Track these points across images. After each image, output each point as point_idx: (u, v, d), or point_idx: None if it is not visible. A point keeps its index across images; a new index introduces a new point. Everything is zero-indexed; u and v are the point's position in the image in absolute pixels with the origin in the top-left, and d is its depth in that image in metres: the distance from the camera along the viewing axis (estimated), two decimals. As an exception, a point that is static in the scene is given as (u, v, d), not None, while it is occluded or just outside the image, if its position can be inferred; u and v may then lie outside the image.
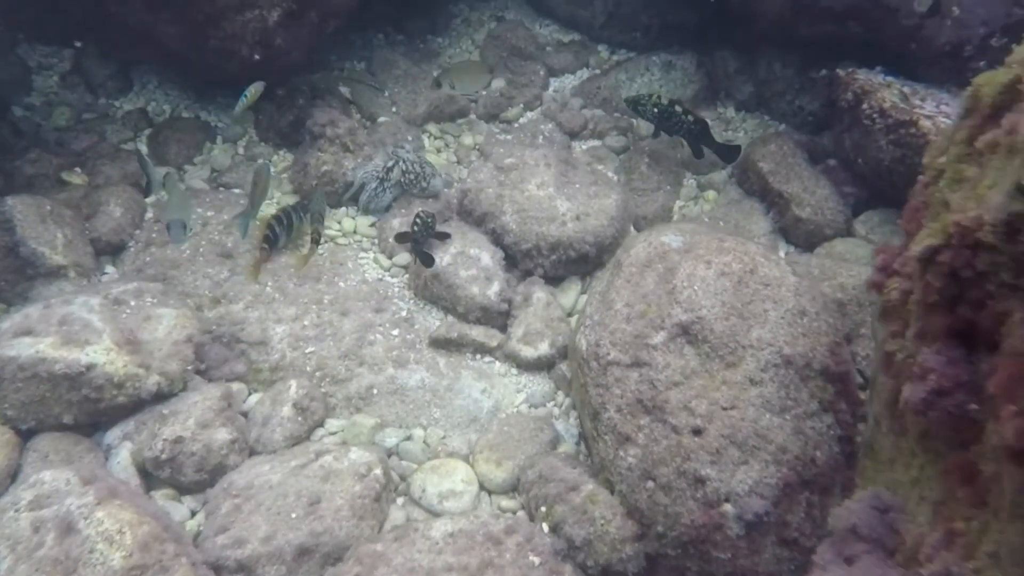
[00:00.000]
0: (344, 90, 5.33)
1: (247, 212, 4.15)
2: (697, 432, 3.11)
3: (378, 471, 3.45)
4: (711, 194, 5.09)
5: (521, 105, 5.55)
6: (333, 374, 3.94)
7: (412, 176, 4.72)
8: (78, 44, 5.01)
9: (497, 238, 4.39)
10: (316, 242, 4.28)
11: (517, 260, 4.38)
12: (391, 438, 3.79)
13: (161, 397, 3.63)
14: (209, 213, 4.50)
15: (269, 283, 4.20)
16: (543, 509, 3.35)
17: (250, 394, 3.91)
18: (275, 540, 3.17)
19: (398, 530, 3.30)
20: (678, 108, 4.82)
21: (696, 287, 3.39)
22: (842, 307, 3.95)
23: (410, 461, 3.74)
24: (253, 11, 4.36)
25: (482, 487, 3.65)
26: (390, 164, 4.71)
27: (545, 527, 3.31)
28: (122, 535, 2.82)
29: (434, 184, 4.77)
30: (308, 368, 3.94)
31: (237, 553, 3.14)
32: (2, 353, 3.40)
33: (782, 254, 4.64)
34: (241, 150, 5.08)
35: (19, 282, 4.03)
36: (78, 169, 4.64)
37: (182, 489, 3.51)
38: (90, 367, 3.43)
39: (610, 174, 5.07)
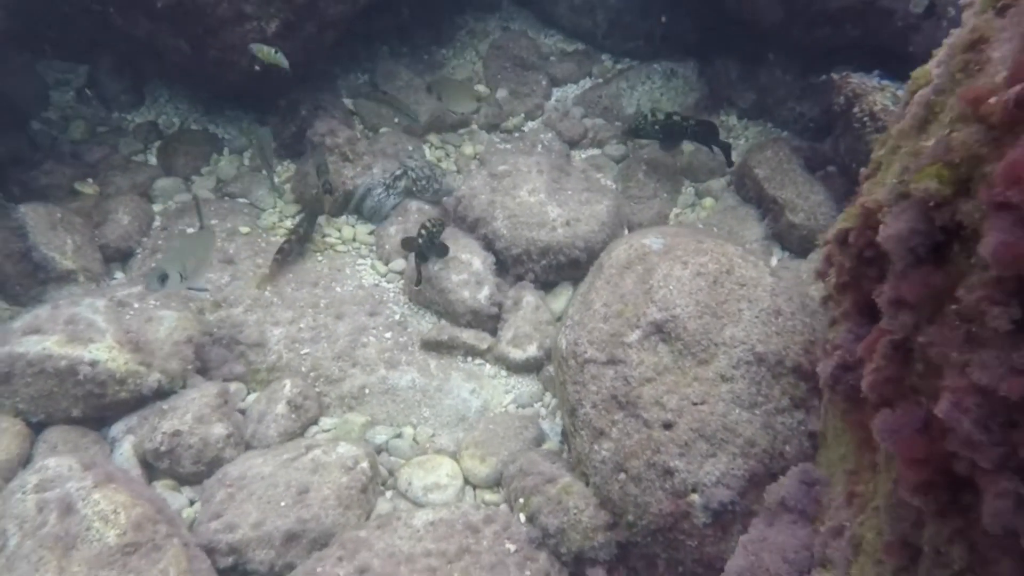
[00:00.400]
0: (347, 101, 5.52)
1: (269, 173, 4.51)
2: (667, 426, 3.22)
3: (364, 464, 3.60)
4: (708, 201, 5.18)
5: (522, 115, 5.69)
6: (327, 374, 4.10)
7: (424, 181, 4.89)
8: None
9: (489, 243, 4.53)
10: (329, 191, 4.53)
11: (508, 265, 4.52)
12: (381, 435, 3.95)
13: (162, 394, 3.82)
14: (214, 221, 4.69)
15: (268, 288, 4.37)
16: (521, 500, 3.48)
17: (249, 393, 4.09)
18: (264, 526, 3.34)
19: (382, 519, 3.46)
20: (676, 117, 4.94)
21: (671, 287, 3.50)
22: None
23: (399, 457, 3.88)
24: (251, 22, 4.56)
25: (467, 481, 3.79)
26: (398, 173, 4.88)
27: (522, 517, 3.44)
28: (116, 515, 3.01)
29: (447, 184, 4.91)
30: (303, 368, 4.10)
31: (228, 537, 3.31)
32: (12, 350, 3.61)
33: (775, 260, 4.72)
34: (247, 161, 5.28)
35: (32, 286, 4.27)
36: (90, 180, 4.88)
37: (181, 480, 3.68)
38: (93, 363, 3.62)
39: (607, 182, 5.18)
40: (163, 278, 3.36)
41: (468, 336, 4.28)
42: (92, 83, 5.32)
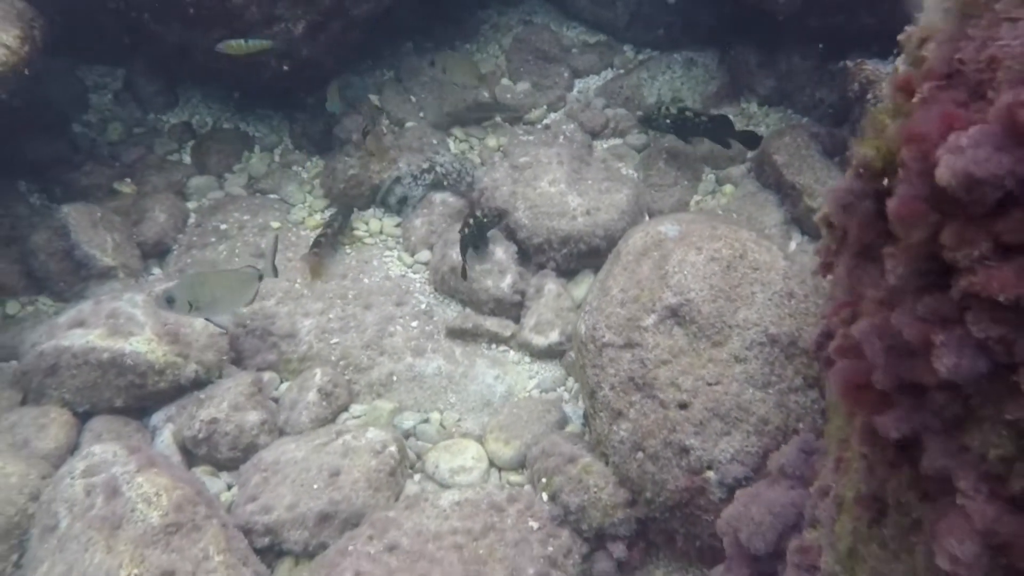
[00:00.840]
0: (373, 97, 5.66)
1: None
2: (683, 406, 3.33)
3: (393, 448, 3.74)
4: (728, 188, 5.24)
5: (545, 107, 5.79)
6: (356, 363, 4.26)
7: (454, 175, 5.02)
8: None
9: (511, 233, 4.65)
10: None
11: (530, 254, 4.64)
12: (408, 421, 4.09)
13: (199, 384, 4.00)
14: (245, 217, 4.87)
15: (298, 280, 4.53)
16: (544, 480, 3.60)
17: (281, 382, 4.25)
18: (298, 507, 3.50)
19: (410, 500, 3.60)
20: (688, 113, 5.01)
21: (686, 272, 3.59)
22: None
23: (426, 441, 4.02)
24: (280, 24, 4.70)
25: (492, 464, 3.92)
26: (425, 167, 5.02)
27: (545, 496, 3.57)
28: (159, 497, 3.19)
29: (477, 177, 5.02)
30: (333, 357, 4.26)
31: (264, 518, 3.48)
32: (59, 343, 3.81)
33: (794, 245, 4.79)
34: (277, 158, 5.45)
35: (75, 282, 4.48)
36: (128, 179, 5.07)
37: (218, 465, 3.86)
38: (133, 355, 3.82)
39: (628, 171, 5.27)
40: (169, 301, 3.29)
41: (492, 324, 4.40)
42: (128, 86, 5.52)
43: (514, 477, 3.86)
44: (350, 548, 3.37)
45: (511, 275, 4.48)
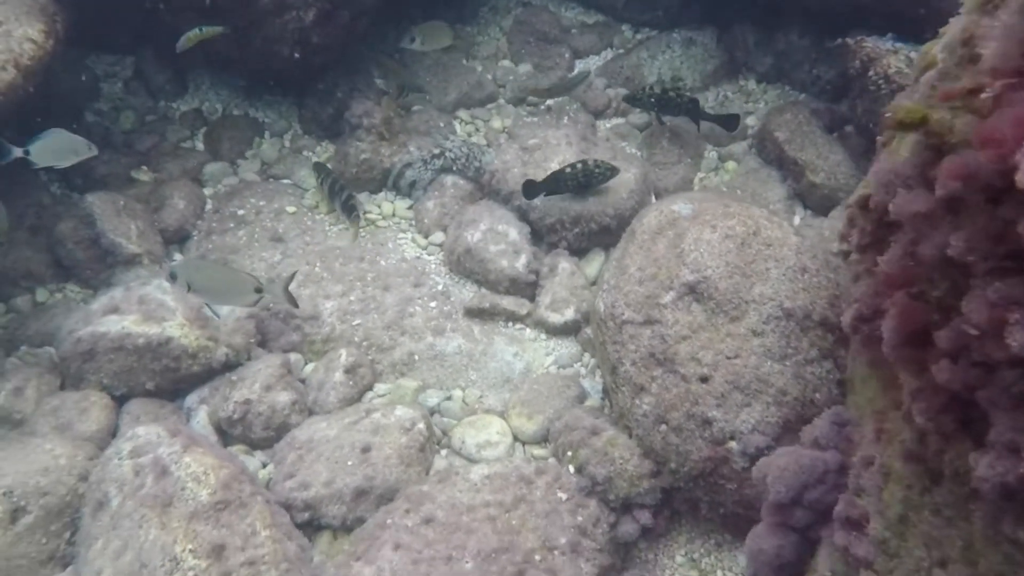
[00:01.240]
0: (379, 81, 5.72)
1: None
2: (704, 380, 3.47)
3: (421, 425, 3.88)
4: (731, 164, 5.37)
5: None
6: (378, 343, 4.37)
7: (463, 160, 5.11)
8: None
9: (523, 214, 4.77)
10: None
11: (543, 234, 4.76)
12: (432, 398, 4.21)
13: (229, 366, 4.12)
14: (261, 203, 4.96)
15: (318, 263, 4.64)
16: (569, 453, 3.74)
17: (306, 363, 4.36)
18: (335, 483, 3.64)
19: (441, 474, 3.74)
20: (671, 93, 5.14)
21: (702, 250, 3.72)
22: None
23: (450, 418, 4.16)
24: (291, 12, 4.77)
25: (516, 438, 4.06)
26: (436, 152, 5.12)
27: (571, 468, 3.72)
28: (207, 476, 3.33)
29: (487, 160, 5.11)
30: (356, 338, 4.37)
31: (303, 495, 3.62)
32: (96, 330, 3.92)
33: (797, 219, 4.93)
34: (287, 143, 5.52)
35: (101, 270, 4.57)
36: (144, 167, 5.14)
37: (253, 445, 3.98)
38: (168, 340, 3.92)
39: (632, 150, 5.38)
40: (173, 276, 3.56)
41: (508, 303, 4.53)
42: (137, 74, 5.56)
43: (538, 451, 4.00)
44: (388, 521, 3.51)
45: (525, 255, 4.60)
